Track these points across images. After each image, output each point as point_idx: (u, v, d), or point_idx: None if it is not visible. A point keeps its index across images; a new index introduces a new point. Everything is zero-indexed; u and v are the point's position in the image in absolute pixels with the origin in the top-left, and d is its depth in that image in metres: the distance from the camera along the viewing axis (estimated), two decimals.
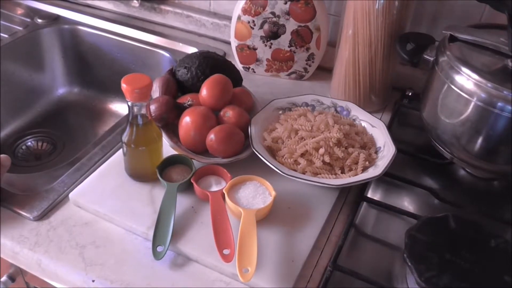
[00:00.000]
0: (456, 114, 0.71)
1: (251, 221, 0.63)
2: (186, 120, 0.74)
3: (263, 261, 0.61)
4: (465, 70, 0.68)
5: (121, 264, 0.62)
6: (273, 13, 0.90)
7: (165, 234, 0.63)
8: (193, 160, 0.73)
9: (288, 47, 0.94)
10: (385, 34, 0.81)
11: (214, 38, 1.10)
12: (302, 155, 0.73)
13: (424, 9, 0.91)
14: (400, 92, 0.95)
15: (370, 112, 0.82)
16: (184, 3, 1.12)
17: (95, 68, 1.16)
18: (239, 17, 0.92)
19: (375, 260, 0.66)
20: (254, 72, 0.99)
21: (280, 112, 0.82)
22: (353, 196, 0.74)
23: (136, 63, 1.10)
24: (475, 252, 0.59)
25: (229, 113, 0.77)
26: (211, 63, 0.83)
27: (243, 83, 0.88)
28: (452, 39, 0.74)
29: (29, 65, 1.12)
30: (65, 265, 0.62)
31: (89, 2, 1.19)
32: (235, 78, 0.85)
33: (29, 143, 1.07)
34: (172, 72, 0.85)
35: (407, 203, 0.75)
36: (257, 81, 0.97)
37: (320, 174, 0.71)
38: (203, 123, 0.74)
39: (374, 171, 0.71)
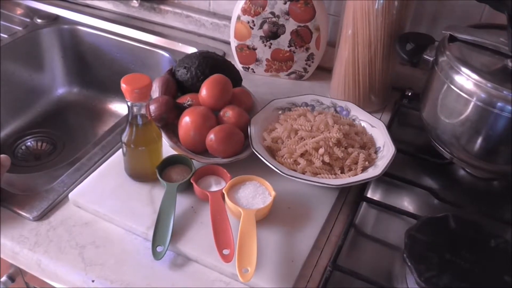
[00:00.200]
0: (456, 114, 0.71)
1: (251, 221, 0.63)
2: (186, 120, 0.74)
3: (263, 261, 0.61)
4: (464, 70, 0.68)
5: (121, 264, 0.62)
6: (272, 13, 0.90)
7: (164, 234, 0.63)
8: (192, 160, 0.72)
9: (288, 47, 0.94)
10: (384, 34, 0.81)
11: (214, 38, 1.10)
12: (301, 155, 0.73)
13: (424, 9, 0.91)
14: (400, 92, 0.95)
15: (369, 112, 0.82)
16: (183, 3, 1.12)
17: (95, 68, 1.16)
18: (238, 17, 0.92)
19: (375, 260, 0.66)
20: (254, 72, 0.99)
21: (280, 112, 0.82)
22: (353, 196, 0.74)
23: (135, 63, 1.10)
24: (475, 252, 0.59)
25: (228, 113, 0.77)
26: (210, 63, 0.83)
27: (243, 83, 0.88)
28: (452, 39, 0.74)
29: (29, 65, 1.12)
30: (65, 265, 0.62)
31: (89, 2, 1.19)
32: (235, 78, 0.85)
33: (29, 143, 1.07)
34: (171, 72, 0.85)
35: (407, 203, 0.75)
36: (257, 81, 0.97)
37: (320, 174, 0.71)
38: (202, 123, 0.74)
39: (373, 171, 0.71)
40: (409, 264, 0.58)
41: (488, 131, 0.68)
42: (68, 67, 1.18)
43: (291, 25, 0.91)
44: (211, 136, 0.72)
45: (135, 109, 0.66)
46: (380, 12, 0.79)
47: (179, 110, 0.77)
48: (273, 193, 0.67)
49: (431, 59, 0.76)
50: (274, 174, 0.70)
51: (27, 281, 0.77)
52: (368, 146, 0.77)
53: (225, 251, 0.60)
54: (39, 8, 1.18)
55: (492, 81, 0.65)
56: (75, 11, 1.16)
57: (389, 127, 0.84)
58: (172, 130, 0.77)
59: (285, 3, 0.89)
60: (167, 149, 0.74)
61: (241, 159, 0.74)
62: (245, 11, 0.91)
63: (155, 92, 0.81)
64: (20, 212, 0.68)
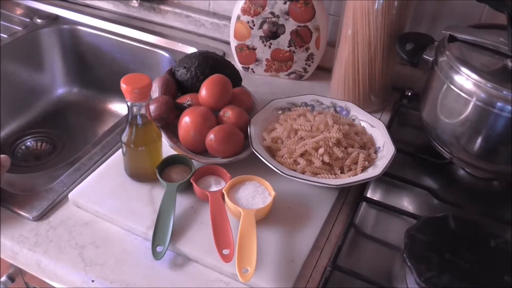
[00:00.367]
0: (456, 114, 0.71)
1: (251, 221, 0.63)
2: (186, 120, 0.74)
3: (262, 261, 0.61)
4: (464, 70, 0.68)
5: (121, 264, 0.62)
6: (272, 13, 0.90)
7: (164, 234, 0.63)
8: (192, 160, 0.72)
9: (288, 47, 0.94)
10: (384, 34, 0.81)
11: (214, 38, 1.10)
12: (301, 155, 0.73)
13: (424, 9, 0.91)
14: (400, 92, 0.95)
15: (369, 112, 0.82)
16: (183, 3, 1.12)
17: (95, 68, 1.16)
18: (238, 17, 0.92)
19: (375, 260, 0.66)
20: (254, 72, 0.99)
21: (280, 112, 0.82)
22: (353, 196, 0.74)
23: (135, 63, 1.10)
24: (475, 252, 0.59)
25: (228, 113, 0.77)
26: (210, 63, 0.83)
27: (243, 83, 0.88)
28: (452, 39, 0.74)
29: (28, 65, 1.12)
30: (64, 265, 0.62)
31: (89, 2, 1.19)
32: (235, 78, 0.85)
33: (29, 143, 1.07)
34: (171, 72, 0.85)
35: (406, 203, 0.75)
36: (257, 81, 0.97)
37: (320, 174, 0.71)
38: (202, 123, 0.74)
39: (373, 171, 0.71)
40: (409, 264, 0.58)
41: (488, 131, 0.68)
42: (68, 67, 1.18)
43: (291, 25, 0.91)
44: (211, 136, 0.72)
45: (135, 109, 0.66)
46: (380, 12, 0.79)
47: (179, 110, 0.77)
48: (273, 193, 0.67)
49: (431, 59, 0.76)
50: (274, 174, 0.70)
51: (27, 281, 0.77)
52: (368, 146, 0.77)
53: (225, 251, 0.60)
54: (39, 8, 1.18)
55: (492, 81, 0.65)
56: (75, 11, 1.16)
57: (389, 127, 0.84)
58: (172, 130, 0.77)
59: (285, 3, 0.89)
60: (167, 149, 0.74)
61: (241, 159, 0.74)
62: (245, 11, 0.91)
63: (155, 92, 0.81)
64: (20, 212, 0.68)
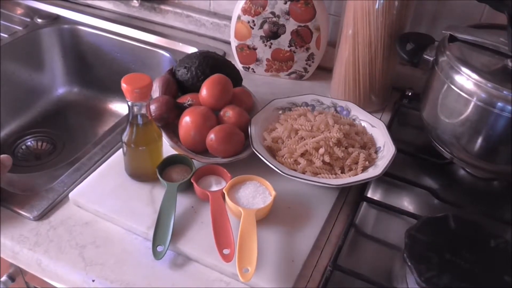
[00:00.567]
0: (456, 114, 0.71)
1: (251, 221, 0.63)
2: (186, 120, 0.74)
3: (263, 261, 0.61)
4: (465, 70, 0.68)
5: (121, 264, 0.62)
6: (273, 13, 0.90)
7: (165, 234, 0.63)
8: (193, 160, 0.73)
9: (288, 47, 0.94)
10: (385, 34, 0.81)
11: (214, 38, 1.10)
12: (302, 155, 0.73)
13: (424, 9, 0.91)
14: (400, 92, 0.95)
15: (370, 112, 0.82)
16: (184, 3, 1.12)
17: (95, 68, 1.16)
18: (239, 17, 0.92)
19: (375, 260, 0.67)
20: (254, 72, 0.99)
21: (280, 112, 0.82)
22: (353, 196, 0.74)
23: (136, 63, 1.10)
24: (475, 252, 0.59)
25: (229, 113, 0.77)
26: (211, 63, 0.83)
27: (243, 83, 0.88)
28: (452, 39, 0.74)
29: (29, 65, 1.12)
30: (65, 265, 0.62)
31: (89, 2, 1.19)
32: (235, 78, 0.85)
33: (29, 143, 1.07)
34: (172, 72, 0.85)
35: (407, 203, 0.75)
36: (257, 81, 0.97)
37: (320, 174, 0.71)
38: (203, 123, 0.74)
39: (374, 171, 0.71)
40: (409, 264, 0.58)
41: (488, 131, 0.68)
42: (68, 67, 1.18)
43: (291, 25, 0.91)
44: (212, 136, 0.73)
45: (135, 109, 0.66)
46: (380, 12, 0.79)
47: (180, 110, 0.77)
48: (273, 193, 0.67)
49: (431, 59, 0.76)
50: (274, 174, 0.70)
51: (27, 281, 0.77)
52: (368, 146, 0.77)
53: (226, 251, 0.60)
54: (40, 7, 1.18)
55: (492, 81, 0.65)
56: (75, 10, 1.16)
57: (389, 127, 0.84)
58: (172, 130, 0.77)
59: (285, 3, 0.89)
60: (168, 149, 0.74)
61: (241, 159, 0.74)
62: (245, 11, 0.91)
63: (156, 92, 0.81)
64: (20, 211, 0.68)
